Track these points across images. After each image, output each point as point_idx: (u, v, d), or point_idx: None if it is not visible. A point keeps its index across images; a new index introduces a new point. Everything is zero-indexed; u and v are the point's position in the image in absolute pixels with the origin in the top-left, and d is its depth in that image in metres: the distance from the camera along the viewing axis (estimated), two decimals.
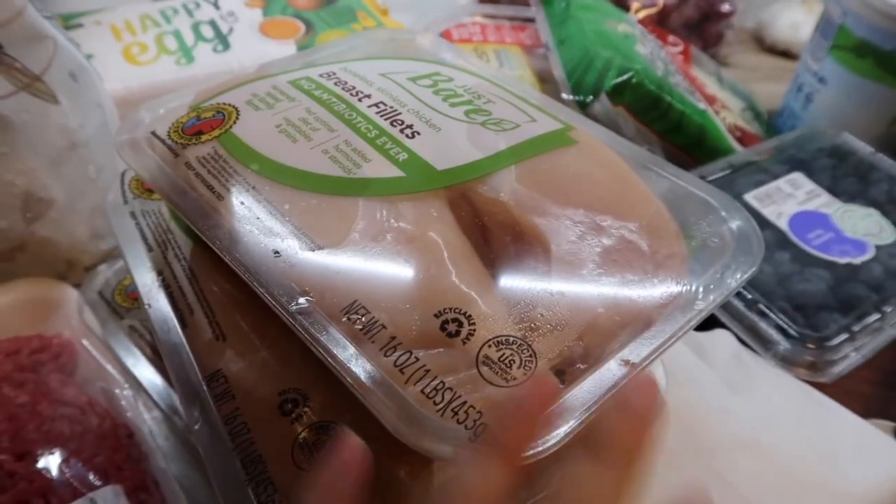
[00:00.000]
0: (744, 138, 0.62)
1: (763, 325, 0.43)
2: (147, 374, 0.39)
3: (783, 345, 0.42)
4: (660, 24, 0.75)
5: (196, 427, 0.29)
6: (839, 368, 0.41)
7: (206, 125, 0.33)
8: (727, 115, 0.63)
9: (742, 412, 0.37)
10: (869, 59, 0.61)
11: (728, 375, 0.39)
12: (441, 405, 0.23)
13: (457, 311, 0.26)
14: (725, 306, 0.44)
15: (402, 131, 0.33)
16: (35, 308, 0.41)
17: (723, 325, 0.43)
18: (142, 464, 0.34)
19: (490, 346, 0.25)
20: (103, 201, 0.41)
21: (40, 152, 0.40)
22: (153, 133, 0.34)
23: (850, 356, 0.42)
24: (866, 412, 0.40)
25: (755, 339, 0.43)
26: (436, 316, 0.25)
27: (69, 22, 0.56)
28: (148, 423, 0.37)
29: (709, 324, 0.43)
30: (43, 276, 0.42)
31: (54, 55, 0.41)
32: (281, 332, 0.32)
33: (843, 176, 0.57)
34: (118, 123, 0.46)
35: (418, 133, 0.33)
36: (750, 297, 0.44)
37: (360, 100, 0.35)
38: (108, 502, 0.30)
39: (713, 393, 0.37)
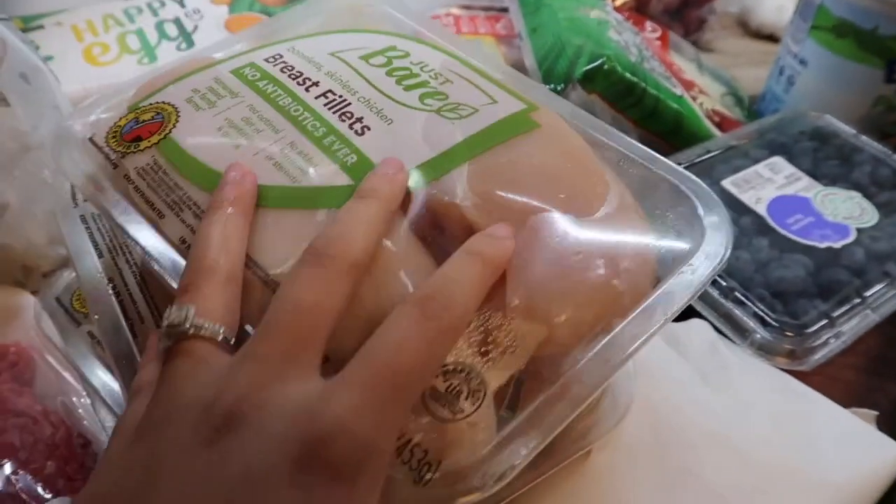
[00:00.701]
0: (723, 123, 0.61)
1: (740, 313, 0.41)
2: (106, 380, 0.38)
3: (760, 333, 0.40)
4: (639, 10, 0.73)
5: None
6: (819, 356, 0.40)
7: (145, 129, 0.30)
8: (705, 101, 0.62)
9: (715, 406, 0.35)
10: (849, 38, 0.59)
11: (703, 367, 0.38)
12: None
13: None
14: (702, 296, 0.43)
15: (351, 126, 0.30)
16: None
17: (699, 315, 0.42)
18: None
19: (437, 376, 0.23)
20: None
21: None
22: (91, 140, 0.31)
23: (829, 343, 0.41)
24: (849, 399, 0.39)
25: (732, 329, 0.41)
26: None
27: (29, 24, 0.54)
28: (107, 430, 0.36)
29: (685, 314, 0.42)
30: None
31: (3, 55, 0.39)
32: None
33: (825, 159, 0.55)
34: None
35: (368, 128, 0.30)
36: (726, 284, 0.43)
37: (307, 89, 0.32)
38: None
39: (686, 386, 0.36)
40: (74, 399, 0.36)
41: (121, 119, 0.31)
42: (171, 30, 0.55)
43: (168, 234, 0.27)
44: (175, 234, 0.27)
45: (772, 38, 0.85)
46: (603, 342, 0.25)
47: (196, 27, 0.56)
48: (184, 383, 0.21)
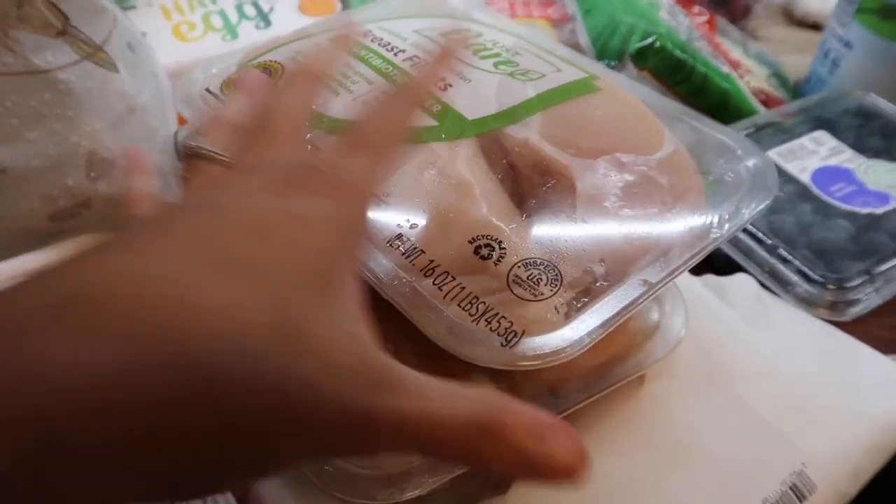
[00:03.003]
0: (768, 101, 0.62)
1: (784, 269, 0.44)
2: None
3: (803, 286, 0.42)
4: None
5: None
6: (858, 308, 0.42)
7: None
8: (751, 80, 0.63)
9: (762, 343, 0.38)
10: (894, 20, 0.60)
11: (748, 314, 0.40)
12: (475, 316, 0.25)
13: (489, 237, 0.27)
14: (747, 252, 0.45)
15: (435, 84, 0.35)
16: None
17: (744, 270, 0.44)
18: None
19: (519, 266, 0.26)
20: (159, 161, 0.43)
21: (103, 116, 0.43)
22: (207, 90, 0.36)
23: (869, 297, 0.43)
24: (887, 353, 0.40)
25: (776, 283, 0.43)
26: (470, 242, 0.27)
27: (123, 4, 0.58)
28: None
29: (730, 268, 0.44)
30: (106, 231, 0.45)
31: (114, 27, 0.43)
32: None
33: (869, 135, 0.57)
34: (170, 91, 0.49)
35: (450, 85, 0.35)
36: (771, 242, 0.45)
37: (395, 54, 0.36)
38: None
39: (733, 327, 0.39)
40: None
41: (232, 74, 0.35)
42: (250, 10, 0.59)
43: None
44: None
45: (815, 26, 0.86)
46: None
47: (272, 8, 0.60)
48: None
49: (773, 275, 0.44)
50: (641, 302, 0.26)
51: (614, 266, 0.27)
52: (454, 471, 0.28)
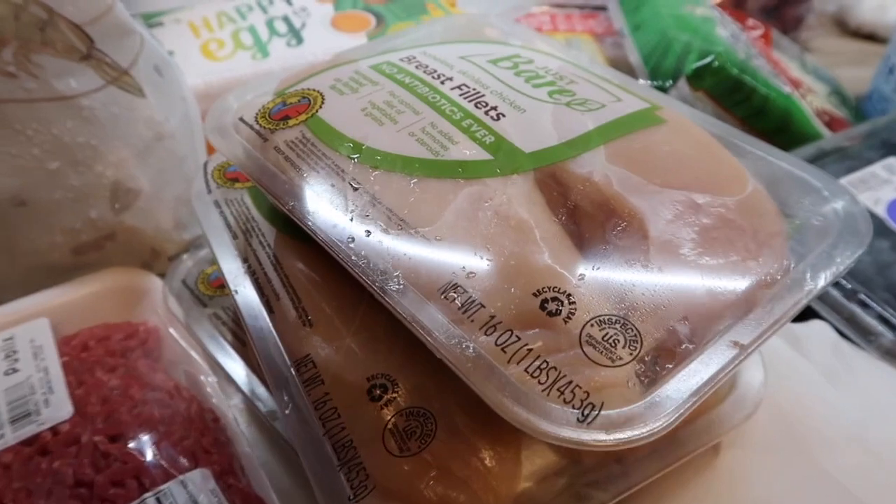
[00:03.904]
0: (832, 123, 0.59)
1: (864, 315, 0.41)
2: (229, 361, 0.40)
3: (887, 336, 0.39)
4: (737, 7, 0.73)
5: (286, 412, 0.29)
6: None
7: (293, 110, 0.33)
8: (814, 99, 0.61)
9: (845, 405, 0.35)
10: None
11: (827, 368, 0.37)
12: (546, 384, 0.22)
13: (555, 289, 0.25)
14: (822, 297, 0.42)
15: (486, 113, 0.33)
16: (123, 296, 0.42)
17: (819, 317, 0.41)
18: (228, 448, 0.34)
19: (593, 325, 0.24)
20: (186, 191, 0.42)
21: (129, 144, 0.41)
22: (241, 119, 0.34)
23: None
24: None
25: (855, 331, 0.40)
26: (534, 295, 0.25)
27: (150, 20, 0.57)
28: (232, 409, 0.38)
29: (804, 315, 0.41)
30: (129, 264, 0.43)
31: (141, 50, 0.42)
32: (367, 317, 0.32)
33: None
34: (199, 116, 0.47)
35: (503, 115, 0.33)
36: (849, 286, 0.42)
37: (442, 83, 0.34)
38: (198, 485, 0.30)
39: (812, 385, 0.36)
40: (202, 377, 0.38)
41: (269, 103, 0.34)
42: (281, 27, 0.58)
43: (314, 198, 0.30)
44: (322, 195, 0.30)
45: (871, 37, 0.83)
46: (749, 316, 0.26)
47: (304, 24, 0.58)
48: None
49: (852, 322, 0.41)
50: (733, 368, 0.23)
51: (699, 324, 0.25)
52: None
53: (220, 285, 0.44)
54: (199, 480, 0.31)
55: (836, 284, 0.42)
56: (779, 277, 0.27)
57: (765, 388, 0.32)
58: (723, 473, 0.31)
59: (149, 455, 0.32)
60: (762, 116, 0.54)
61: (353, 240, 0.28)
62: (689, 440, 0.31)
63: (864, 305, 0.41)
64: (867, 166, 0.52)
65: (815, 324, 0.40)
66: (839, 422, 0.34)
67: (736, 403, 0.32)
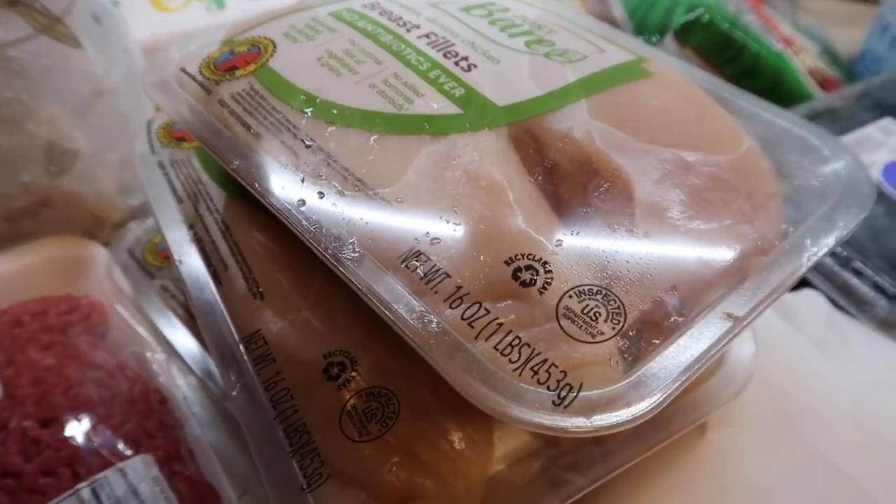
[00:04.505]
0: (825, 83, 0.57)
1: (858, 283, 0.39)
2: (180, 337, 0.37)
3: (881, 305, 0.38)
4: None
5: (234, 393, 0.27)
6: None
7: (241, 59, 0.30)
8: (806, 58, 0.58)
9: (839, 380, 0.33)
10: None
11: (820, 340, 0.35)
12: (518, 363, 0.20)
13: (530, 257, 0.23)
14: (815, 265, 0.40)
15: (456, 64, 0.30)
16: (63, 268, 0.39)
17: (811, 286, 0.40)
18: (175, 431, 0.32)
19: (571, 296, 0.22)
20: (131, 154, 0.39)
21: (63, 100, 0.38)
22: (183, 70, 0.31)
23: None
24: None
25: (850, 301, 0.39)
26: (506, 263, 0.22)
27: None
28: (182, 389, 0.35)
29: (796, 285, 0.39)
30: (70, 233, 0.40)
31: None
32: (324, 289, 0.29)
33: None
34: None
35: (475, 66, 0.30)
36: (843, 254, 0.40)
37: (408, 31, 0.31)
38: (139, 473, 0.28)
39: (805, 360, 0.34)
40: (149, 354, 0.35)
41: (214, 52, 0.31)
42: None
43: (263, 156, 0.27)
44: (274, 154, 0.27)
45: None
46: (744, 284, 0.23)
47: None
48: None
49: (846, 291, 0.39)
50: (727, 343, 0.21)
51: (689, 295, 0.23)
52: None
53: (169, 256, 0.41)
54: (141, 468, 0.28)
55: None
56: (776, 243, 0.25)
57: (756, 362, 0.30)
58: (710, 454, 0.29)
59: (84, 441, 0.29)
60: (753, 75, 0.52)
61: (303, 203, 0.25)
62: (674, 419, 0.29)
63: (858, 273, 0.39)
64: (860, 128, 0.50)
65: (806, 293, 0.38)
66: (833, 397, 0.32)
67: (724, 379, 0.30)
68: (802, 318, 0.36)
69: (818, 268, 0.40)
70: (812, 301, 0.38)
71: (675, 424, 0.29)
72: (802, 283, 0.40)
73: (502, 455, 0.27)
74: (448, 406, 0.26)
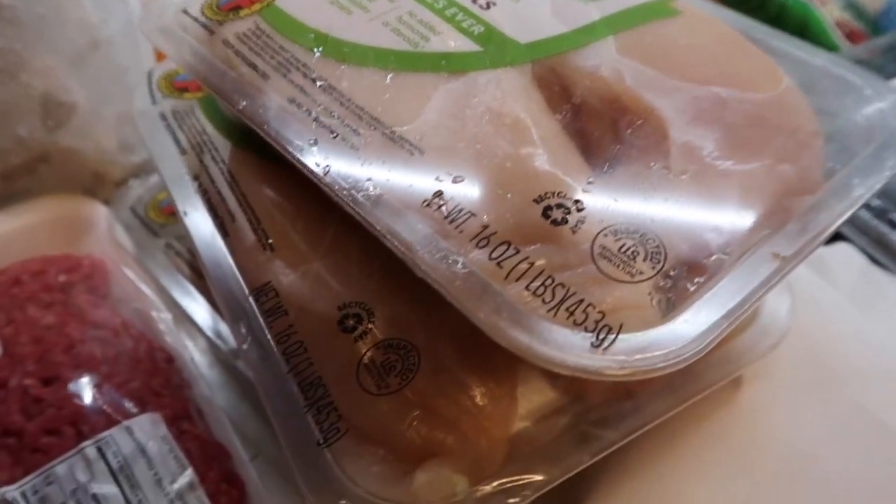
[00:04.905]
0: (851, 36, 0.55)
1: (894, 236, 0.37)
2: (186, 296, 0.36)
3: None
4: None
5: (244, 347, 0.26)
6: None
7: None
8: (833, 9, 0.56)
9: (875, 333, 0.32)
10: None
11: (856, 294, 0.34)
12: (552, 304, 0.19)
13: (561, 195, 0.21)
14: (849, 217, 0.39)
15: (474, 1, 0.29)
16: (63, 227, 0.38)
17: (845, 239, 0.38)
18: (183, 391, 0.31)
19: (606, 235, 0.20)
20: (131, 109, 0.37)
21: (58, 50, 0.36)
22: (185, 12, 0.30)
23: None
24: None
25: (885, 254, 0.37)
26: (536, 201, 0.21)
27: None
28: (190, 349, 0.34)
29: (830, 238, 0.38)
30: (69, 191, 0.39)
31: None
32: (337, 239, 0.28)
33: None
34: None
35: (494, 4, 0.29)
36: (877, 204, 0.39)
37: None
38: (146, 431, 0.27)
39: (842, 313, 0.33)
40: (154, 313, 0.34)
41: None
42: None
43: (275, 95, 0.26)
44: (283, 93, 0.26)
45: None
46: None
47: None
48: None
49: (881, 244, 0.37)
50: (774, 283, 0.20)
51: (732, 234, 0.21)
52: None
53: (173, 212, 0.40)
54: (148, 426, 0.27)
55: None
56: (821, 183, 0.24)
57: (793, 315, 0.29)
58: (744, 409, 0.28)
59: (89, 399, 0.28)
60: (778, 25, 0.49)
61: (315, 142, 0.24)
62: (708, 373, 0.28)
63: (893, 225, 0.38)
64: (890, 80, 0.48)
65: (841, 247, 0.37)
66: (871, 352, 0.31)
67: (760, 332, 0.29)
68: (837, 271, 0.35)
69: (853, 220, 0.38)
70: (846, 254, 0.36)
71: (708, 378, 0.27)
72: (836, 237, 0.39)
73: (526, 412, 0.26)
74: (469, 361, 0.25)
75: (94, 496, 0.24)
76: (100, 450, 0.26)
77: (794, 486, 0.26)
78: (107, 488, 0.25)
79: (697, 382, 0.27)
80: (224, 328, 0.34)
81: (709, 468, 0.26)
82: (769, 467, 0.26)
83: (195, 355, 0.35)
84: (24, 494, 0.24)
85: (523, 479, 0.23)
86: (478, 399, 0.24)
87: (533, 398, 0.26)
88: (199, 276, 0.37)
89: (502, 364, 0.26)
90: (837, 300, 0.33)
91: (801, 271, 0.35)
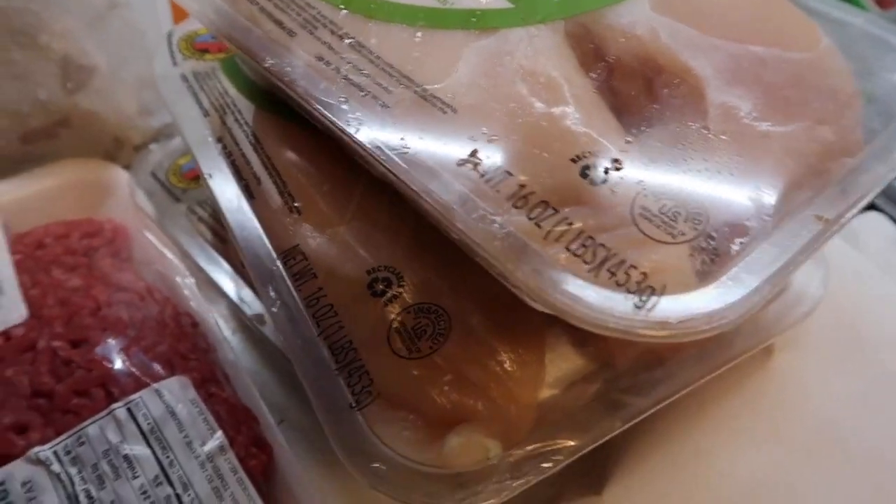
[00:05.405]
0: (882, 2, 0.54)
1: None
2: (209, 261, 0.36)
3: None
4: None
5: (273, 309, 0.25)
6: None
7: None
8: None
9: None
10: None
11: (887, 263, 0.34)
12: (593, 264, 0.19)
13: (598, 154, 0.21)
14: None
15: None
16: (84, 191, 0.37)
17: (875, 208, 0.38)
18: (209, 355, 0.31)
19: (646, 195, 0.20)
20: (150, 71, 0.37)
21: (76, 11, 0.36)
22: None
23: None
24: None
25: None
26: (573, 161, 0.21)
27: None
28: (213, 314, 0.34)
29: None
30: (89, 155, 0.39)
31: None
32: (365, 201, 0.28)
33: None
34: None
35: None
36: None
37: None
38: (175, 394, 0.27)
39: (873, 282, 0.32)
40: (178, 279, 0.34)
41: None
42: None
43: (302, 52, 0.25)
44: (311, 51, 0.25)
45: None
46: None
47: None
48: None
49: None
50: (818, 246, 0.20)
51: (773, 197, 0.21)
52: (543, 471, 0.22)
53: (195, 177, 0.39)
54: (177, 389, 0.27)
55: None
56: (862, 145, 0.23)
57: (826, 284, 0.28)
58: (776, 378, 0.28)
59: (117, 362, 0.28)
60: None
61: (346, 100, 0.23)
62: (739, 341, 0.27)
63: None
64: None
65: (871, 216, 0.36)
66: None
67: (792, 301, 0.28)
68: (867, 240, 0.35)
69: (883, 189, 0.38)
70: (877, 224, 0.36)
71: (740, 346, 0.27)
72: (866, 206, 0.38)
73: (554, 380, 0.26)
74: (498, 326, 0.25)
75: (126, 457, 0.24)
76: (130, 411, 0.26)
77: (825, 454, 0.26)
78: (138, 449, 0.25)
79: (729, 350, 0.27)
80: (247, 294, 0.34)
81: (739, 436, 0.26)
82: (800, 435, 0.26)
83: (218, 320, 0.35)
84: (56, 454, 0.24)
85: (555, 445, 0.23)
86: (507, 365, 0.24)
87: (561, 365, 0.26)
88: (222, 241, 0.37)
89: (531, 330, 0.26)
90: (868, 268, 0.33)
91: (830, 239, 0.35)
